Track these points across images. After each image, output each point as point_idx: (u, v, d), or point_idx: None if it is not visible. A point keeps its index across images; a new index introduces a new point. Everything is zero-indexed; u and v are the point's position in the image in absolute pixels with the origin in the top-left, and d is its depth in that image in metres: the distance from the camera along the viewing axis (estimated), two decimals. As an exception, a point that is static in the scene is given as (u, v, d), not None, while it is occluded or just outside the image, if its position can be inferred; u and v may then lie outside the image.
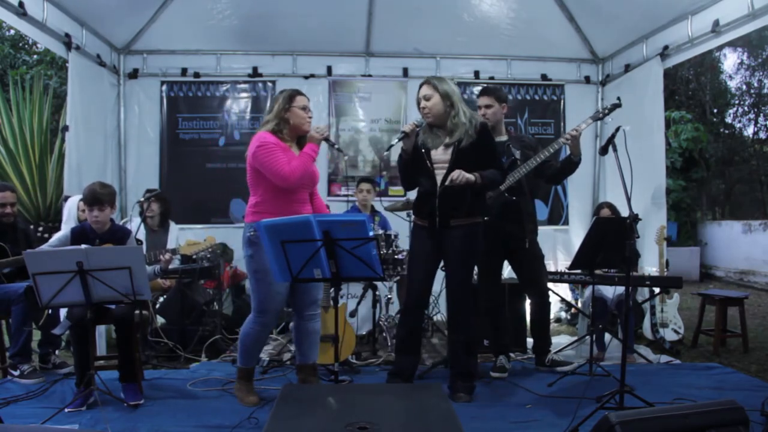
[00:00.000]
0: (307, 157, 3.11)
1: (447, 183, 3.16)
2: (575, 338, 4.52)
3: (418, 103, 3.33)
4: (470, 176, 3.15)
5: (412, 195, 3.67)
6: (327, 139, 3.23)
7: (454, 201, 3.26)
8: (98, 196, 3.31)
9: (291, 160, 3.07)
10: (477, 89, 5.87)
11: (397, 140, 3.27)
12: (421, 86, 3.34)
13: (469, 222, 3.31)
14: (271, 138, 3.11)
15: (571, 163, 3.72)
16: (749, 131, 13.67)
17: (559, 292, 4.91)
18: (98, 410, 2.99)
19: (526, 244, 3.76)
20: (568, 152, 3.72)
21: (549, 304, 3.97)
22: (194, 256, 4.00)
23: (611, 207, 4.53)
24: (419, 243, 3.43)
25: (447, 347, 3.58)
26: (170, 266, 4.41)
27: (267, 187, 3.12)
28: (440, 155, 3.30)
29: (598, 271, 3.96)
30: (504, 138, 3.83)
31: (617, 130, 3.17)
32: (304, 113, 3.20)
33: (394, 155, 3.50)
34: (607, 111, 3.32)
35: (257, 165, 3.09)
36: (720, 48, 11.54)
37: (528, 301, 4.13)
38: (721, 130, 13.26)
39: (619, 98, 3.34)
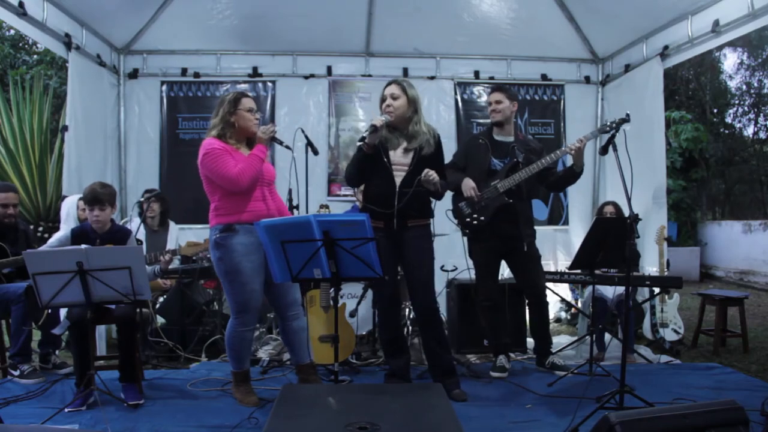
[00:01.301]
0: (255, 158, 3.10)
1: (422, 178, 3.19)
2: (575, 338, 4.52)
3: (383, 101, 3.33)
4: (438, 184, 3.25)
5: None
6: (274, 138, 3.22)
7: (412, 202, 3.28)
8: (99, 196, 3.31)
9: (238, 163, 3.05)
10: (477, 89, 5.88)
11: (368, 133, 3.22)
12: (388, 85, 3.35)
13: (424, 223, 3.39)
14: (218, 143, 3.10)
15: (573, 174, 3.71)
16: (749, 131, 13.70)
17: (559, 292, 4.91)
18: (98, 410, 2.99)
19: (524, 248, 3.76)
20: (571, 162, 3.71)
21: (547, 305, 3.97)
22: (194, 258, 4.01)
23: (615, 206, 4.52)
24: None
25: (423, 348, 3.57)
26: (170, 266, 4.43)
27: (223, 192, 3.11)
28: (400, 157, 3.33)
29: (597, 271, 3.96)
30: (511, 139, 3.83)
31: (617, 130, 3.17)
32: (251, 115, 3.18)
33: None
34: (615, 125, 3.30)
35: (207, 173, 3.10)
36: (720, 48, 11.55)
37: (527, 302, 4.13)
38: (721, 130, 13.28)
39: (628, 114, 3.34)
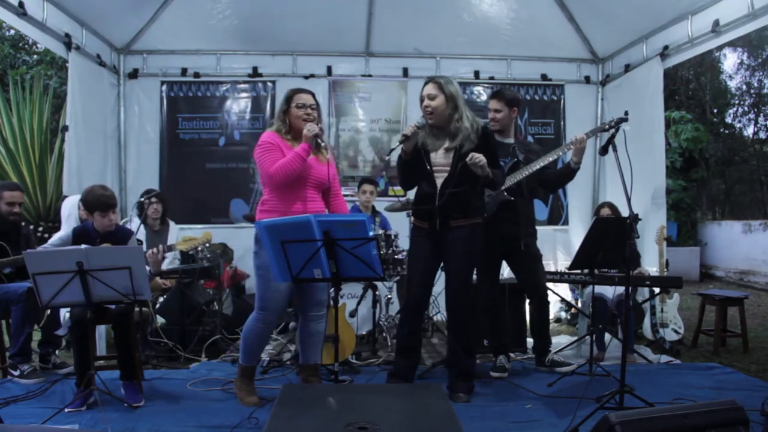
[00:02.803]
0: (295, 156, 3.07)
1: (468, 162, 3.08)
2: (575, 338, 4.52)
3: (422, 101, 3.28)
4: (486, 168, 3.10)
5: (411, 194, 3.66)
6: (317, 136, 3.14)
7: (455, 203, 3.24)
8: (109, 201, 3.33)
9: (278, 159, 3.07)
10: (477, 89, 5.89)
11: (398, 143, 3.22)
12: (425, 84, 3.28)
13: (469, 223, 3.31)
14: (271, 137, 3.14)
15: (570, 170, 3.70)
16: (749, 131, 13.71)
17: (559, 292, 4.91)
18: (98, 410, 2.99)
19: (522, 246, 3.76)
20: (569, 158, 3.70)
21: (548, 304, 3.97)
22: (190, 252, 3.99)
23: (612, 207, 4.53)
24: (419, 245, 3.42)
25: (447, 347, 3.57)
26: (171, 266, 4.43)
27: (272, 186, 3.16)
28: (440, 159, 3.28)
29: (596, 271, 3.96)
30: (511, 140, 3.84)
31: (617, 130, 3.17)
32: (301, 111, 3.17)
33: (395, 155, 3.48)
34: (613, 123, 3.30)
35: (257, 163, 3.19)
36: (720, 48, 11.56)
37: (527, 301, 4.13)
38: (721, 130, 13.28)
39: (626, 112, 3.33)
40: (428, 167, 3.27)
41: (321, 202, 3.27)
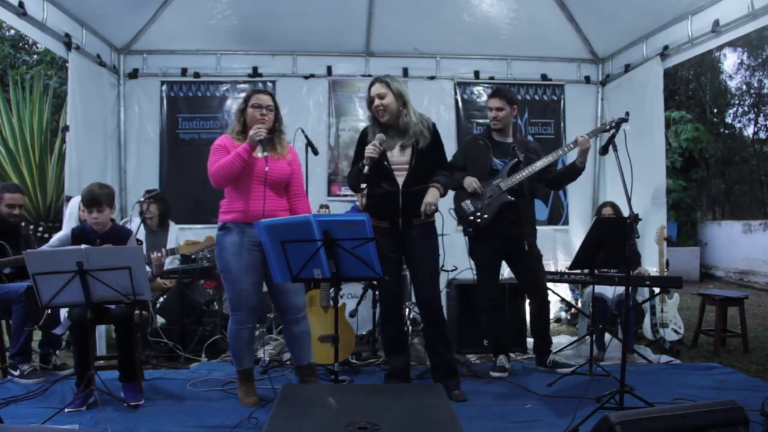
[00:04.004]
0: (234, 155, 3.06)
1: (423, 219, 3.27)
2: (575, 338, 4.52)
3: (371, 102, 3.33)
4: (435, 199, 3.27)
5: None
6: (261, 141, 3.06)
7: (416, 202, 3.28)
8: (97, 197, 3.31)
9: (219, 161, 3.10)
10: (477, 89, 5.87)
11: (367, 169, 3.16)
12: (372, 85, 3.36)
13: (428, 221, 3.38)
14: (221, 140, 3.20)
15: (576, 170, 3.70)
16: (749, 131, 13.71)
17: (559, 292, 4.91)
18: (98, 410, 2.99)
19: (525, 247, 3.76)
20: (574, 158, 3.70)
21: (548, 303, 3.96)
22: (194, 257, 4.00)
23: (614, 206, 4.52)
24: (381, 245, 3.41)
25: (425, 346, 3.61)
26: (171, 266, 4.43)
27: (228, 188, 3.21)
28: (398, 157, 3.32)
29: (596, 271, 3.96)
30: (510, 140, 3.84)
31: (617, 130, 3.17)
32: (256, 112, 3.16)
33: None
34: (614, 124, 3.31)
35: None
36: (720, 48, 11.56)
37: (528, 301, 4.13)
38: (721, 130, 13.28)
39: (627, 113, 3.34)
40: (388, 167, 3.30)
41: (280, 200, 3.24)
